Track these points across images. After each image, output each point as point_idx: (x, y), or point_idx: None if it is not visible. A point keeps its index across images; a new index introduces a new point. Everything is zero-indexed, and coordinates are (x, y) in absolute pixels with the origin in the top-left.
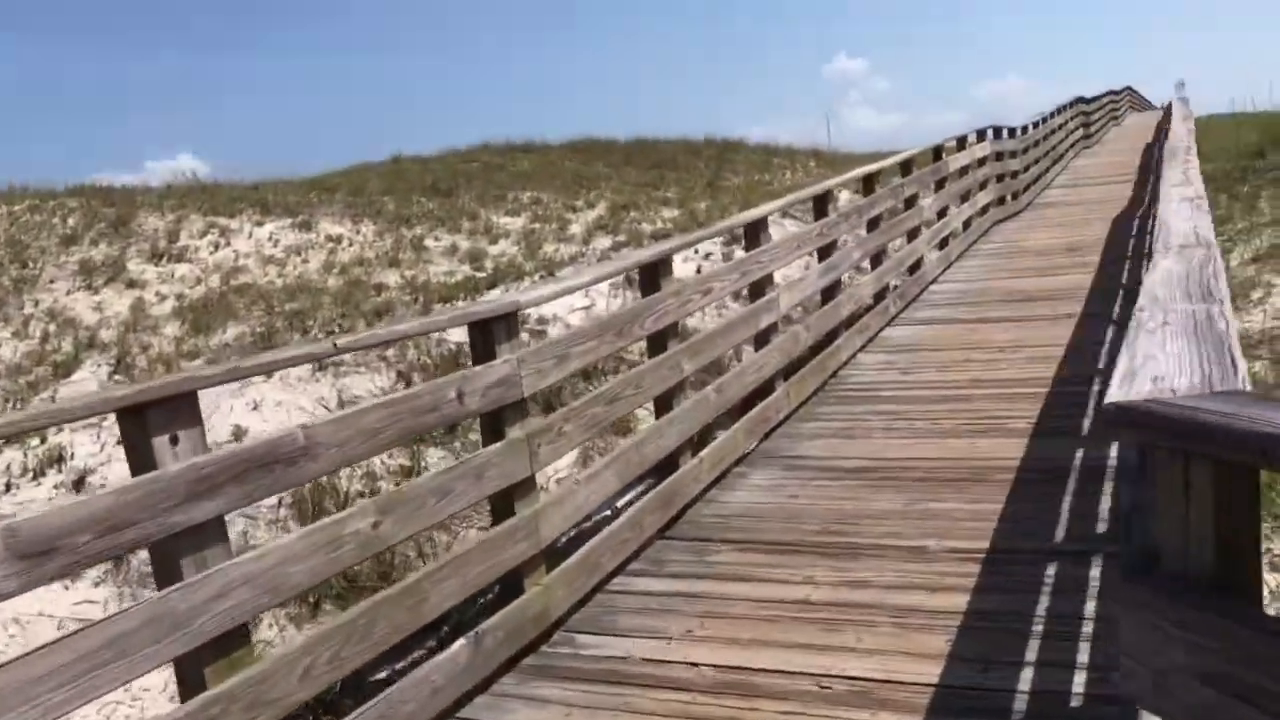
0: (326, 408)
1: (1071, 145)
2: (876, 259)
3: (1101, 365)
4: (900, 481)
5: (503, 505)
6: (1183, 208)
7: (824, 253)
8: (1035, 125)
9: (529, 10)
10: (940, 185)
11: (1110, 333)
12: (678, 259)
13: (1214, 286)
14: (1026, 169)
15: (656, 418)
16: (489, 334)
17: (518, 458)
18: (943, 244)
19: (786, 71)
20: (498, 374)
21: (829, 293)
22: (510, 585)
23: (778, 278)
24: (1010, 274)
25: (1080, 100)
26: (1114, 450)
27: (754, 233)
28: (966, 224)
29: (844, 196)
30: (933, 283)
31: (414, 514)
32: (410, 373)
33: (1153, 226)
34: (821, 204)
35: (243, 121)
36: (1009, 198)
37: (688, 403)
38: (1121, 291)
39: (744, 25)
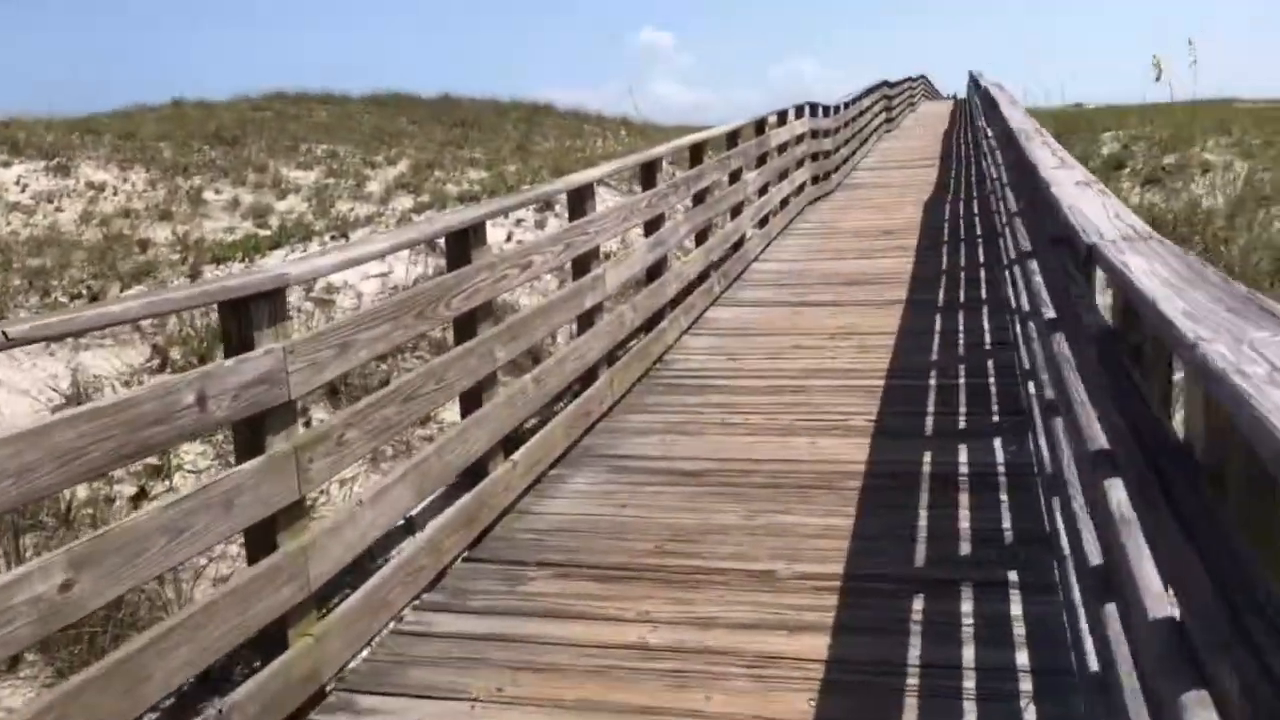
0: (56, 390)
1: (876, 129)
2: (702, 235)
3: (935, 357)
4: (741, 489)
5: (262, 539)
6: (1085, 194)
7: (651, 226)
8: (846, 106)
9: None
10: (762, 161)
11: (939, 321)
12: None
13: (1252, 293)
14: (838, 149)
15: (463, 416)
16: (245, 317)
17: (282, 477)
18: (763, 222)
19: (593, 38)
20: (256, 369)
21: (655, 270)
22: (272, 641)
23: (602, 253)
24: (831, 255)
25: (885, 84)
26: (964, 455)
27: (579, 201)
28: (784, 202)
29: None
30: (754, 261)
31: (129, 564)
32: (168, 348)
33: (976, 215)
34: (650, 173)
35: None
36: (821, 177)
37: (501, 397)
38: (943, 277)
39: None
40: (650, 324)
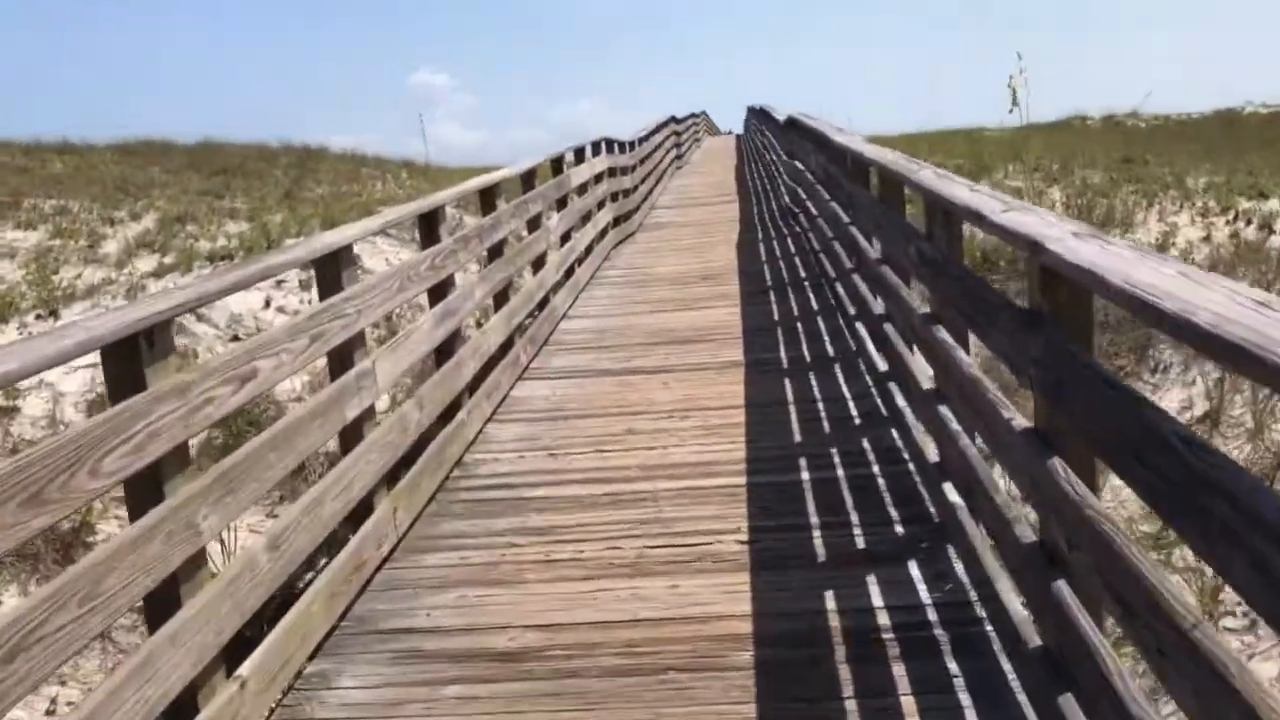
0: None
1: (669, 165)
2: (502, 295)
3: (798, 439)
4: (583, 683)
5: None
6: (1090, 246)
7: (438, 292)
8: (641, 141)
9: None
10: (563, 203)
11: (789, 387)
12: (233, 300)
13: None
14: (637, 186)
15: (152, 630)
16: None
17: None
18: (569, 272)
19: (370, 82)
20: None
21: (446, 348)
22: None
23: (371, 336)
24: (650, 307)
25: (673, 120)
26: (877, 594)
27: (332, 269)
28: (589, 248)
29: (449, 214)
30: (563, 319)
31: None
32: None
33: (794, 254)
34: (431, 225)
35: None
36: (624, 218)
37: (213, 590)
38: (778, 329)
39: (326, 32)
40: (445, 417)
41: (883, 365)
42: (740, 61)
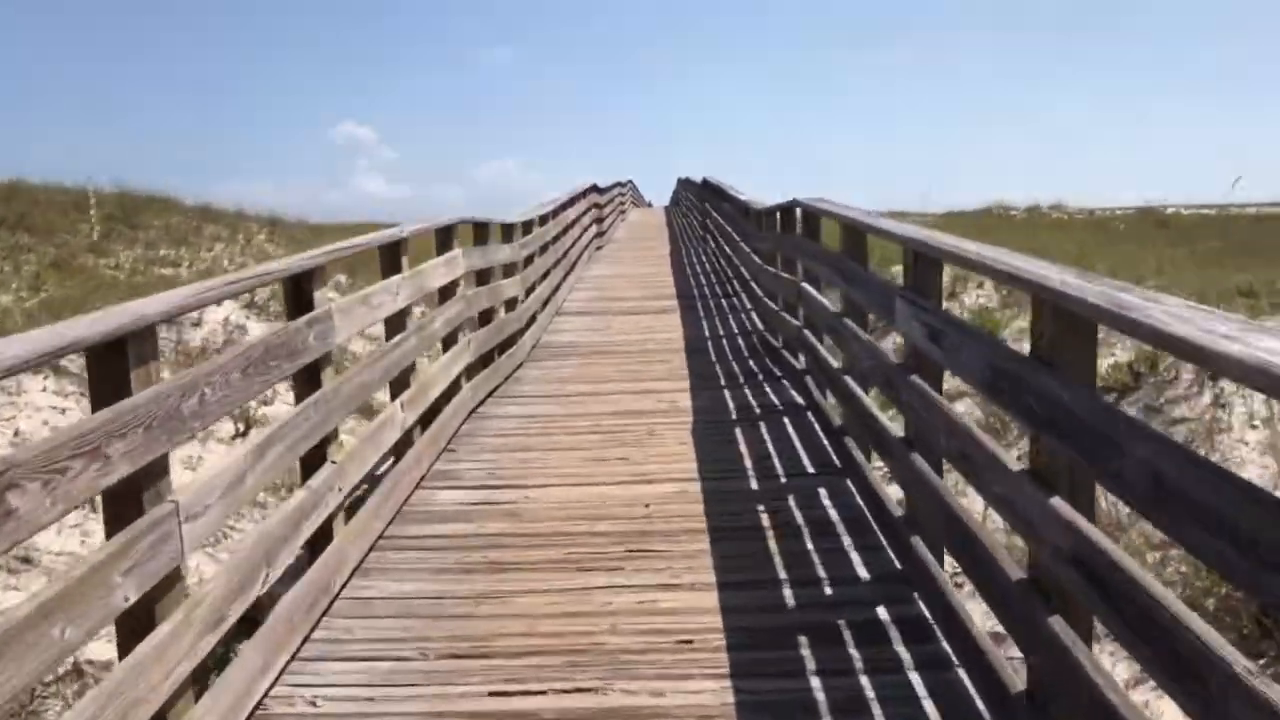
0: None
1: (586, 246)
2: None
3: None
4: None
5: None
6: None
7: None
8: (542, 220)
9: None
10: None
11: None
12: None
13: None
14: (529, 291)
15: None
16: None
17: None
18: (351, 510)
19: (293, 131)
20: None
21: None
22: None
23: None
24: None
25: (595, 189)
26: None
27: None
28: (406, 441)
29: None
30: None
31: None
32: None
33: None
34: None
35: None
36: (499, 349)
37: None
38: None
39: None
40: None
41: None
42: (673, 133)
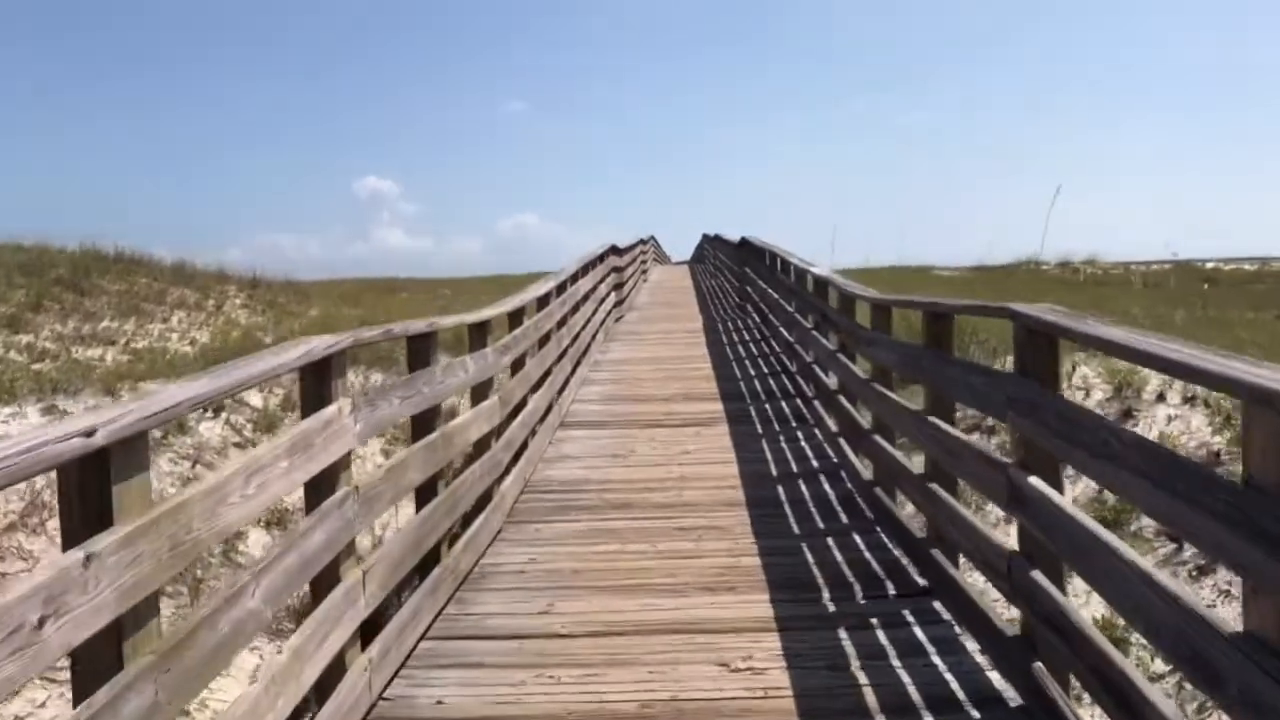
0: None
1: (602, 323)
2: None
3: None
4: None
5: None
6: None
7: None
8: (542, 302)
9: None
10: None
11: None
12: None
13: None
14: (515, 411)
15: None
16: None
17: None
18: None
19: (315, 184)
20: None
21: None
22: None
23: None
24: None
25: (613, 251)
26: None
27: None
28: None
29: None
30: None
31: None
32: None
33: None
34: None
35: None
36: (447, 544)
37: None
38: None
39: (280, 131)
40: None
41: None
42: (684, 189)
